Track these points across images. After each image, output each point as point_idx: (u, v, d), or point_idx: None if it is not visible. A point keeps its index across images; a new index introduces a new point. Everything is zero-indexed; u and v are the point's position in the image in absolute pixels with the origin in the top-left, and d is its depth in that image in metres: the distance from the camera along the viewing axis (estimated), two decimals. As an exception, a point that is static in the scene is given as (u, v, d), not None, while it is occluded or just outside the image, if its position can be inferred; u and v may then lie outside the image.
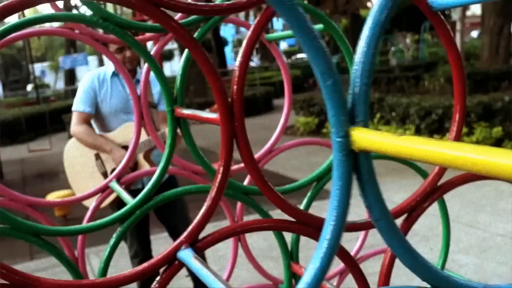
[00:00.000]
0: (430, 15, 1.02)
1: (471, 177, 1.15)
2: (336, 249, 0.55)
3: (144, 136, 2.71)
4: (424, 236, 3.84)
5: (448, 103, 6.32)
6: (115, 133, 2.80)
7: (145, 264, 0.86)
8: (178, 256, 0.85)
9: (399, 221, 1.09)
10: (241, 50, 0.94)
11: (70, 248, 1.44)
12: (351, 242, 1.76)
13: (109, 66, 2.88)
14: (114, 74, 2.84)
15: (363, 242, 1.94)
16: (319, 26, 1.41)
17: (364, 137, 0.56)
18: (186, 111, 1.10)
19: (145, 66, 1.59)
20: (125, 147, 2.72)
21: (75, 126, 2.74)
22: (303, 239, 1.16)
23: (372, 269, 1.25)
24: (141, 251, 2.96)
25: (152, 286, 0.84)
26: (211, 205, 0.87)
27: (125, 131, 2.76)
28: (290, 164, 7.20)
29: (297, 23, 0.52)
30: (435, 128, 6.34)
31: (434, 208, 1.22)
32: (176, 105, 1.15)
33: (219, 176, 0.88)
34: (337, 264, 1.71)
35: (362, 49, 0.60)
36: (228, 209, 1.68)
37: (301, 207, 1.42)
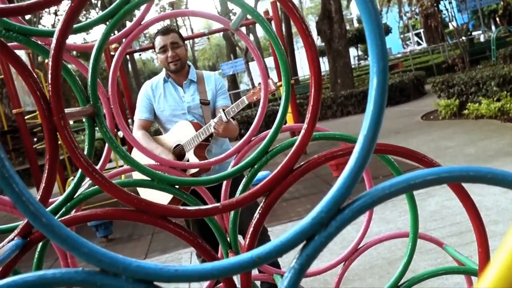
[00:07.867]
0: None
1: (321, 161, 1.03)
2: None
3: (190, 135, 2.82)
4: None
5: None
6: (168, 134, 2.95)
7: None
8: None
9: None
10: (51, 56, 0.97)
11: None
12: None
13: (163, 73, 3.03)
14: (165, 80, 3.00)
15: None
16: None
17: None
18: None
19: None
20: (178, 145, 2.86)
21: (134, 132, 2.96)
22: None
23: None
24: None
25: None
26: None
27: (176, 130, 2.91)
28: (446, 153, 6.58)
29: None
30: None
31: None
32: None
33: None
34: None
35: None
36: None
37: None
